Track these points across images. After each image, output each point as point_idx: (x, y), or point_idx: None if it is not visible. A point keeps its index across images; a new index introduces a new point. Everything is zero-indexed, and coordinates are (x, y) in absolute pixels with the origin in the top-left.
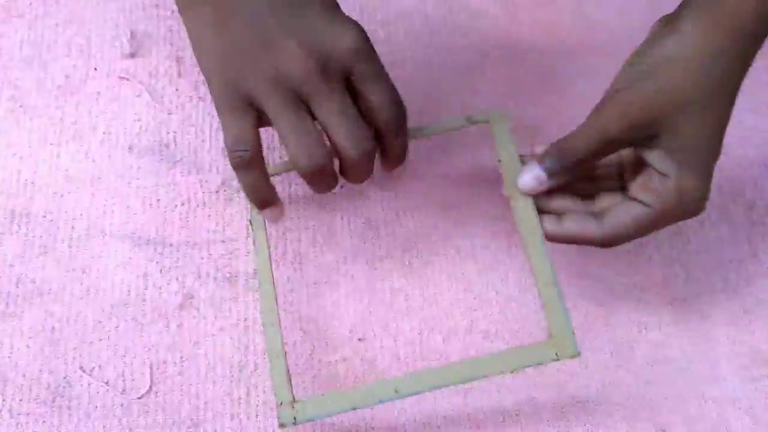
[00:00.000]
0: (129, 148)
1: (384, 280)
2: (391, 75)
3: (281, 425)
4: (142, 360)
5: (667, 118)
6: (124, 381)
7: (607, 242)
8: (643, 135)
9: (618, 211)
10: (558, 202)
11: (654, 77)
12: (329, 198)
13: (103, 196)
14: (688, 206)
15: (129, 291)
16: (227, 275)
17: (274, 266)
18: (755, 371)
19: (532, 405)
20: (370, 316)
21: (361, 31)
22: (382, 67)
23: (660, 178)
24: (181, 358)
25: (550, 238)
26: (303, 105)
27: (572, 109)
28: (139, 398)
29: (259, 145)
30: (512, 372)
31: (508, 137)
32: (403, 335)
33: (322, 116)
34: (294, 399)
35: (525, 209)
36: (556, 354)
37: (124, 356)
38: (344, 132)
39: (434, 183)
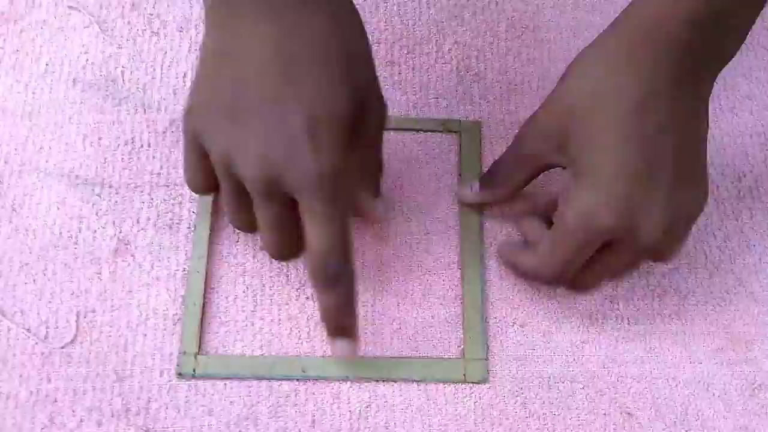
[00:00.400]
0: (73, 82)
1: None
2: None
3: (178, 374)
4: (68, 307)
5: (568, 127)
6: (47, 328)
7: (538, 272)
8: (552, 147)
9: (544, 236)
10: (526, 224)
11: (565, 90)
12: None
13: (41, 131)
14: (587, 223)
15: (60, 233)
16: (168, 222)
17: (218, 214)
18: (731, 354)
19: (489, 376)
20: None
21: (327, 168)
22: (330, 208)
23: (562, 196)
24: (112, 307)
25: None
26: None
27: None
28: (62, 347)
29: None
30: (418, 382)
31: (474, 151)
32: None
33: (257, 216)
34: (199, 351)
35: (470, 224)
36: (464, 375)
37: (49, 302)
38: (268, 240)
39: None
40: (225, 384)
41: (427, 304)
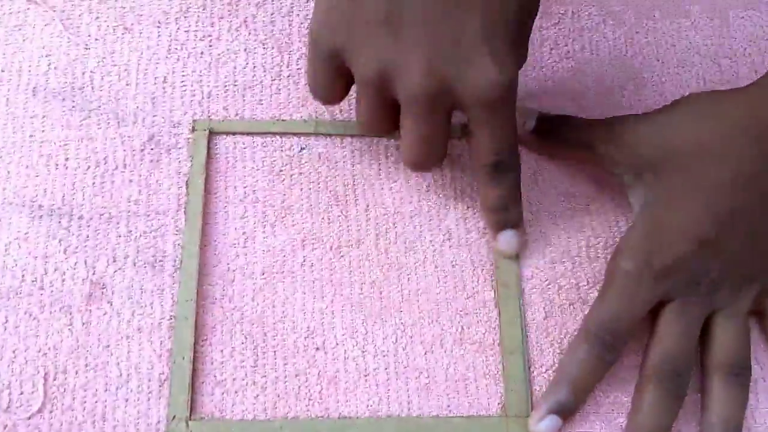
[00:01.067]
0: (33, 92)
1: (352, 272)
2: None
3: None
4: (35, 368)
5: (665, 156)
6: (10, 395)
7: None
8: (630, 157)
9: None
10: None
11: (677, 123)
12: (285, 161)
13: None
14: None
15: (23, 276)
16: (150, 259)
17: (210, 248)
18: None
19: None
20: (333, 319)
21: (507, 78)
22: (504, 118)
23: None
24: (86, 366)
25: None
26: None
27: None
28: (29, 418)
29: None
30: None
31: None
32: (373, 344)
33: (404, 125)
34: (190, 416)
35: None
36: None
37: (12, 362)
38: (416, 152)
39: None
40: None
41: (460, 351)
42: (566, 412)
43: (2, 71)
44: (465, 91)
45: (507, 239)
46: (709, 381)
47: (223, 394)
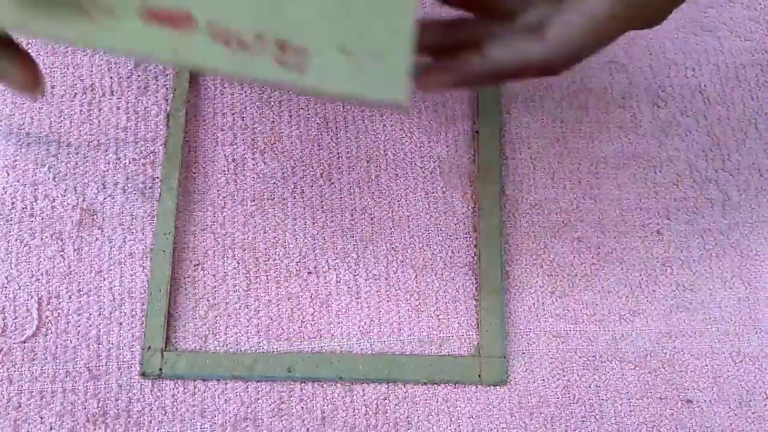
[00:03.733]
0: None
1: (343, 198)
2: None
3: (142, 374)
4: (28, 293)
5: None
6: (4, 320)
7: (554, 61)
8: None
9: (564, 15)
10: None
11: None
12: (273, 88)
13: None
14: None
15: (13, 203)
16: (140, 186)
17: (200, 175)
18: None
19: (527, 355)
20: (325, 244)
21: None
22: None
23: None
24: (79, 291)
25: (479, 74)
26: None
27: None
28: (24, 342)
29: None
30: (425, 383)
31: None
32: (365, 268)
33: None
34: (166, 346)
35: (491, 198)
36: (479, 376)
37: (5, 287)
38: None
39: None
40: (218, 380)
41: (450, 274)
42: None
43: None
44: None
45: None
46: None
47: (216, 317)
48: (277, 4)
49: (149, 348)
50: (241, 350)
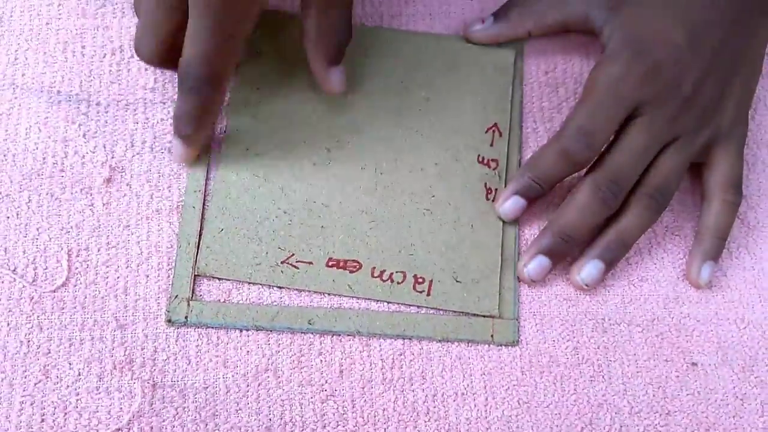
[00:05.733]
0: None
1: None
2: None
3: (168, 321)
4: (58, 245)
5: None
6: (35, 269)
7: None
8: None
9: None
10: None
11: None
12: None
13: (15, 39)
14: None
15: (44, 159)
16: (167, 145)
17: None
18: None
19: (538, 317)
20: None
21: None
22: (210, 20)
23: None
24: (108, 244)
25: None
26: None
27: None
28: (54, 291)
29: None
30: (440, 341)
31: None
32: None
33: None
34: (193, 296)
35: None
36: (492, 336)
37: (36, 239)
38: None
39: None
40: (241, 331)
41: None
42: (531, 194)
43: None
44: None
45: (177, 146)
46: (633, 194)
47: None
48: (413, 251)
49: (176, 297)
50: (264, 303)
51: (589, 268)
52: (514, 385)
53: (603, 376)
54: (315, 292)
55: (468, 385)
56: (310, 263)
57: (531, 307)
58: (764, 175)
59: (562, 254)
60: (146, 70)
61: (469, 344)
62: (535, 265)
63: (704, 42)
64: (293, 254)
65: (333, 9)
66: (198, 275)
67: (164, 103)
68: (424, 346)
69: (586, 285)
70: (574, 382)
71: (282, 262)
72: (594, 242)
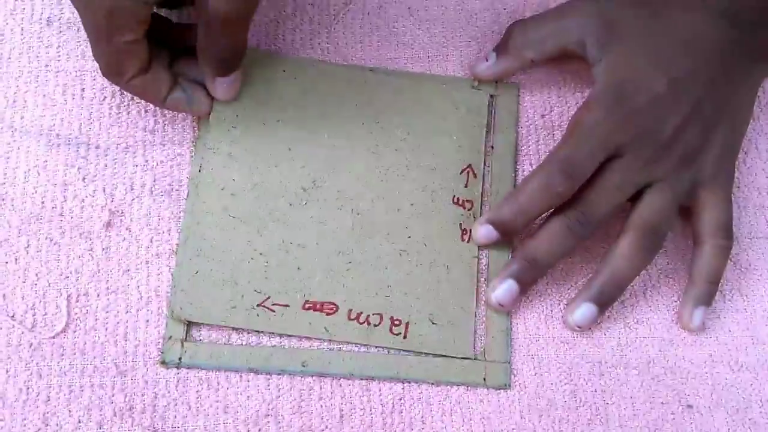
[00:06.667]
0: (47, 21)
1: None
2: None
3: (162, 362)
4: (57, 290)
5: (613, 25)
6: (34, 315)
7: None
8: (591, 33)
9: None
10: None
11: None
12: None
13: (13, 81)
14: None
15: (43, 203)
16: (167, 188)
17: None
18: None
19: (536, 360)
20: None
21: None
22: None
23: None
24: (107, 289)
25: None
26: None
27: None
28: (53, 337)
29: None
30: (432, 383)
31: (511, 118)
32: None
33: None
34: (187, 338)
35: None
36: (484, 379)
37: (35, 284)
38: None
39: None
40: (241, 377)
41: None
42: (506, 228)
43: (15, 1)
44: None
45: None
46: (623, 234)
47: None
48: (390, 293)
49: (170, 338)
50: (258, 345)
51: (582, 311)
52: (513, 429)
53: (601, 419)
54: (291, 336)
55: (468, 430)
56: (287, 306)
57: (529, 350)
58: (755, 218)
59: (530, 279)
60: (146, 112)
61: (468, 388)
62: (503, 289)
63: (686, 90)
64: (269, 297)
65: (221, 22)
66: (173, 320)
67: (164, 145)
68: (423, 391)
69: (579, 327)
70: (572, 426)
71: (258, 305)
72: (588, 283)
